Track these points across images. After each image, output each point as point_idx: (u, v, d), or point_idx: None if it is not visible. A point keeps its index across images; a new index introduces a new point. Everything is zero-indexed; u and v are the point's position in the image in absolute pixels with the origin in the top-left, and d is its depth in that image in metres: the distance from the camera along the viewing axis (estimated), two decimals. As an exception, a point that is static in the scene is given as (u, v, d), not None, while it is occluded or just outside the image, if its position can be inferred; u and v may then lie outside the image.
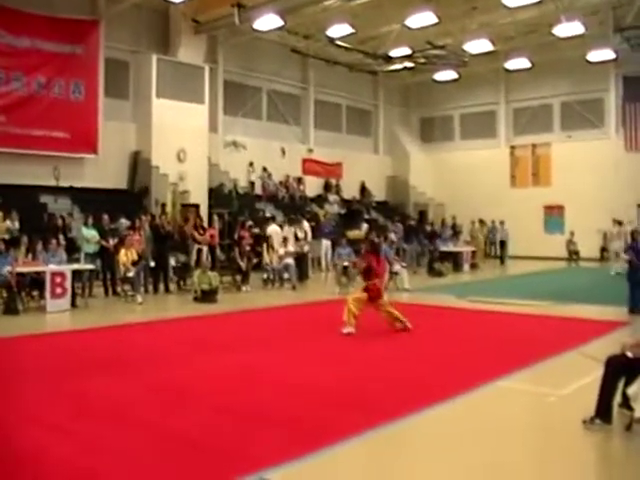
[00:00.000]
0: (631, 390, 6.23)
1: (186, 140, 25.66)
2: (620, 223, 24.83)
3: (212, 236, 21.14)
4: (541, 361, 9.37)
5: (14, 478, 5.29)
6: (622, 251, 21.09)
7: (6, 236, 17.57)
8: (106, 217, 18.18)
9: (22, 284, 14.65)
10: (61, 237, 17.05)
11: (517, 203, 33.81)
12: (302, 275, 21.38)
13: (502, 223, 30.79)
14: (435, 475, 5.48)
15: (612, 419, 6.33)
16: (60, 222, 19.09)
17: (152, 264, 18.12)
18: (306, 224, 23.26)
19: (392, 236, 23.40)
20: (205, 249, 20.43)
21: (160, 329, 13.00)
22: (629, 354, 6.40)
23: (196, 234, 20.55)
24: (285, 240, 20.96)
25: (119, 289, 17.21)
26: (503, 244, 30.73)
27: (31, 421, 6.65)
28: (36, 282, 14.94)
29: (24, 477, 5.31)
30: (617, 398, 6.44)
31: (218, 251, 21.43)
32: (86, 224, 17.75)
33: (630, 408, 6.27)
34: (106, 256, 17.50)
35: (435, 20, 24.70)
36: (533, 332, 12.28)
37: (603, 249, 31.31)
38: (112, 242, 17.62)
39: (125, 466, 5.49)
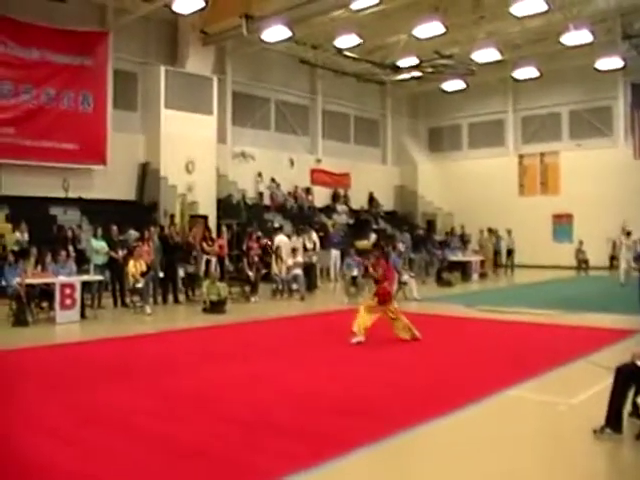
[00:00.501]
0: (641, 399, 6.20)
1: (195, 151, 25.74)
2: (629, 234, 24.68)
3: (221, 247, 21.16)
4: (551, 370, 9.33)
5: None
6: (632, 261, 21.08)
7: (15, 247, 17.67)
8: (115, 228, 18.21)
9: (31, 295, 14.64)
10: (71, 248, 17.08)
11: (526, 212, 33.78)
12: (311, 285, 21.36)
13: (509, 232, 30.71)
14: (444, 485, 5.47)
15: (622, 428, 6.29)
16: (70, 234, 19.15)
17: (161, 275, 18.13)
18: (314, 234, 23.25)
19: (400, 246, 23.35)
20: (214, 260, 20.46)
21: (169, 340, 13.00)
22: (639, 363, 6.36)
23: (205, 245, 20.57)
24: (294, 251, 20.96)
25: (128, 300, 17.21)
26: (510, 253, 30.63)
27: (39, 430, 6.66)
28: (45, 293, 14.93)
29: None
30: (627, 407, 6.41)
31: (227, 262, 21.44)
32: (95, 235, 17.79)
33: (640, 417, 6.24)
34: (115, 267, 17.52)
35: (443, 30, 24.72)
36: (543, 341, 12.23)
37: (612, 258, 31.18)
38: (121, 253, 17.66)
39: (131, 475, 5.49)
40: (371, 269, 12.80)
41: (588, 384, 8.32)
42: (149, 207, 24.98)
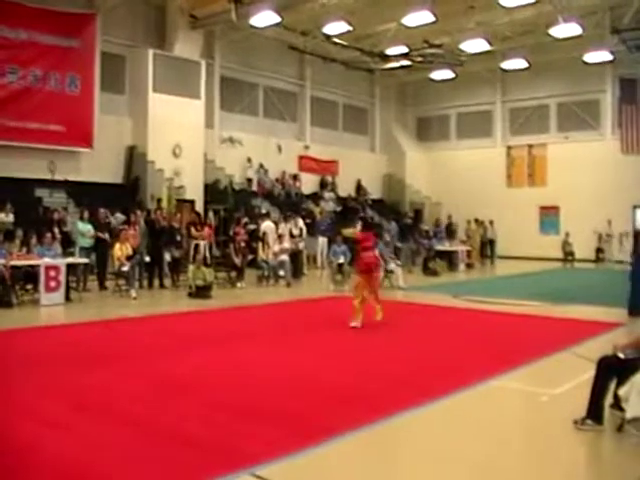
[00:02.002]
0: (622, 391, 6.23)
1: (182, 135, 25.61)
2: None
3: (208, 233, 21.10)
4: (534, 361, 9.40)
5: (10, 472, 5.28)
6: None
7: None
8: (103, 211, 18.20)
9: (16, 277, 14.61)
10: (56, 231, 17.00)
11: (513, 203, 33.93)
12: (297, 272, 21.41)
13: (491, 223, 30.84)
14: (426, 472, 5.50)
15: (603, 420, 6.35)
16: (55, 216, 19.07)
17: (147, 259, 18.10)
18: (301, 221, 23.28)
19: (386, 235, 23.37)
20: (202, 244, 20.38)
21: (154, 324, 12.99)
22: (621, 355, 6.42)
23: (193, 230, 20.52)
24: (280, 237, 20.98)
25: (113, 283, 17.12)
26: (491, 243, 30.78)
27: (26, 415, 6.65)
28: (30, 275, 14.89)
29: (20, 471, 5.30)
30: (609, 399, 6.46)
31: (213, 247, 21.41)
32: (82, 218, 17.75)
33: (621, 409, 6.28)
34: (100, 250, 17.50)
35: (432, 19, 24.65)
36: (527, 332, 12.31)
37: (598, 250, 31.41)
38: (107, 236, 17.70)
39: (119, 460, 5.49)
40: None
41: (571, 375, 8.39)
42: (133, 185, 24.84)
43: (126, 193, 24.48)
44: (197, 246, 19.75)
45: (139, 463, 5.47)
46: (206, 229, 20.79)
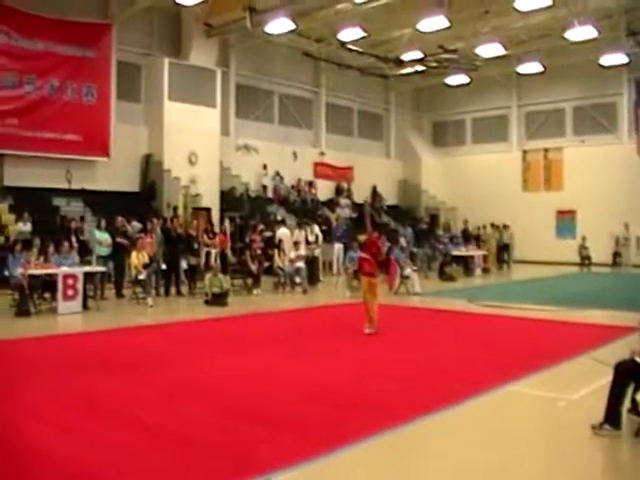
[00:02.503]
0: (640, 396, 6.22)
1: (198, 143, 25.72)
2: None
3: (222, 241, 21.14)
4: (552, 366, 9.36)
5: (22, 474, 5.33)
6: None
7: (17, 238, 17.66)
8: (120, 219, 18.32)
9: (34, 286, 14.68)
10: (73, 239, 17.08)
11: (529, 207, 33.79)
12: (313, 279, 21.41)
13: (505, 227, 30.71)
14: (444, 477, 5.48)
15: (621, 424, 6.31)
16: (73, 225, 19.19)
17: (163, 267, 18.16)
18: (316, 228, 23.27)
19: (402, 240, 23.34)
20: (214, 252, 20.43)
21: (171, 331, 13.04)
22: (638, 359, 6.37)
23: (205, 238, 20.59)
24: (297, 244, 20.99)
25: (129, 291, 17.19)
26: (507, 247, 30.62)
27: (41, 421, 6.69)
28: (48, 284, 14.98)
29: (31, 473, 5.35)
30: (626, 404, 6.42)
31: (229, 254, 21.46)
32: (99, 227, 17.85)
33: (639, 414, 6.25)
34: (117, 258, 17.60)
35: (447, 24, 24.57)
36: (544, 337, 12.25)
37: (615, 254, 31.19)
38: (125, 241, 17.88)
39: (131, 465, 5.53)
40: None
41: (588, 380, 8.34)
42: (149, 190, 24.97)
43: (142, 201, 24.60)
44: (208, 254, 19.81)
45: (152, 468, 5.49)
46: (218, 237, 20.86)
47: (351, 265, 19.49)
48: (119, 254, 17.72)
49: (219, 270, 17.93)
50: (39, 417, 6.81)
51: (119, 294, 17.62)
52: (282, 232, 21.91)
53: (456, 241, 27.68)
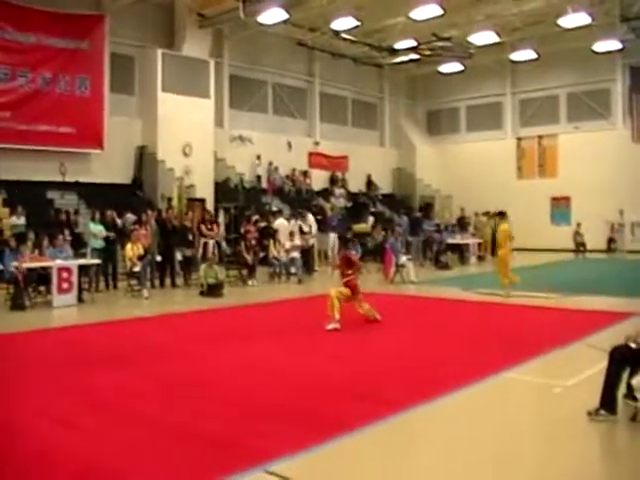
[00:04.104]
0: (635, 381, 6.23)
1: (192, 134, 25.67)
2: None
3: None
4: (547, 352, 9.37)
5: (23, 472, 5.32)
6: None
7: (11, 232, 17.65)
8: (110, 212, 18.23)
9: (29, 279, 14.67)
10: (67, 232, 17.03)
11: (523, 195, 33.77)
12: (308, 268, 21.42)
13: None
14: (442, 465, 5.48)
15: (617, 410, 6.32)
16: (63, 217, 19.15)
17: (158, 258, 18.13)
18: (311, 217, 23.22)
19: (398, 229, 23.36)
20: (211, 243, 20.44)
21: (166, 323, 13.04)
22: (633, 345, 6.38)
23: (203, 228, 20.58)
24: (292, 234, 20.99)
25: (124, 284, 17.18)
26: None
27: (39, 415, 6.68)
28: (43, 277, 14.97)
29: (34, 471, 5.33)
30: (622, 389, 6.43)
31: (224, 245, 21.44)
32: (93, 219, 17.82)
33: (635, 399, 6.26)
34: (110, 250, 17.58)
35: (440, 12, 24.58)
36: (539, 324, 12.27)
37: (610, 240, 31.24)
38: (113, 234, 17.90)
39: (132, 458, 5.53)
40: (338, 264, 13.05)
41: (584, 366, 8.35)
42: (137, 187, 24.96)
43: (134, 193, 24.57)
44: (206, 244, 19.79)
45: (153, 461, 5.49)
46: (215, 227, 20.87)
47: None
48: (111, 246, 17.71)
49: (216, 261, 17.93)
50: (39, 413, 6.78)
51: (110, 286, 17.68)
52: (279, 222, 21.94)
53: (450, 229, 27.74)
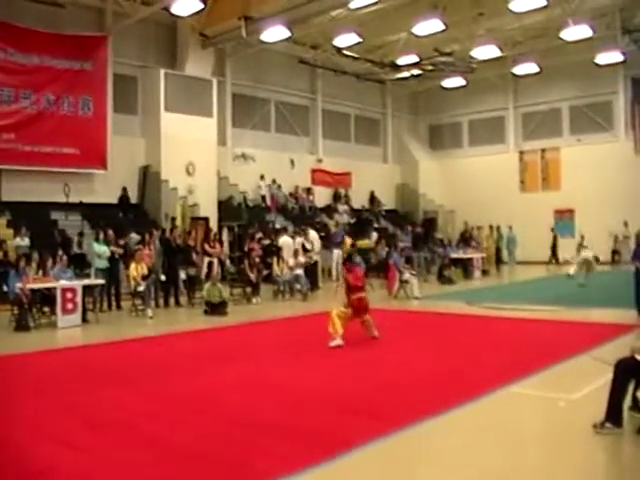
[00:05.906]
0: (641, 393, 6.19)
1: (195, 153, 25.75)
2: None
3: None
4: (552, 366, 9.32)
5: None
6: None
7: (16, 253, 17.67)
8: (111, 232, 18.14)
9: (33, 300, 14.67)
10: (61, 253, 16.87)
11: (527, 208, 33.76)
12: (312, 285, 21.36)
13: (498, 228, 31.10)
14: (444, 482, 5.46)
15: (622, 422, 6.27)
16: (59, 238, 19.17)
17: (162, 278, 18.12)
18: (313, 234, 23.21)
19: (401, 244, 23.33)
20: (216, 261, 20.45)
21: (171, 342, 12.99)
22: (638, 357, 6.34)
23: (207, 247, 20.58)
24: (296, 251, 20.96)
25: (128, 303, 17.15)
26: (499, 250, 30.98)
27: (42, 436, 6.65)
28: (47, 298, 14.96)
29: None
30: (627, 401, 6.39)
31: (228, 263, 21.43)
32: (97, 239, 17.81)
33: (640, 411, 6.23)
34: (113, 270, 17.55)
35: (442, 27, 24.70)
36: (544, 337, 12.20)
37: (614, 252, 31.14)
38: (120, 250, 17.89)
39: (133, 477, 5.50)
40: (345, 275, 12.53)
41: (589, 379, 8.30)
42: (134, 206, 24.96)
43: (140, 213, 24.60)
44: (211, 263, 19.78)
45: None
46: (217, 245, 20.88)
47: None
48: (115, 266, 17.71)
49: (219, 279, 17.91)
50: (43, 433, 6.75)
51: (112, 306, 17.65)
52: (283, 240, 21.95)
53: (454, 244, 27.78)
